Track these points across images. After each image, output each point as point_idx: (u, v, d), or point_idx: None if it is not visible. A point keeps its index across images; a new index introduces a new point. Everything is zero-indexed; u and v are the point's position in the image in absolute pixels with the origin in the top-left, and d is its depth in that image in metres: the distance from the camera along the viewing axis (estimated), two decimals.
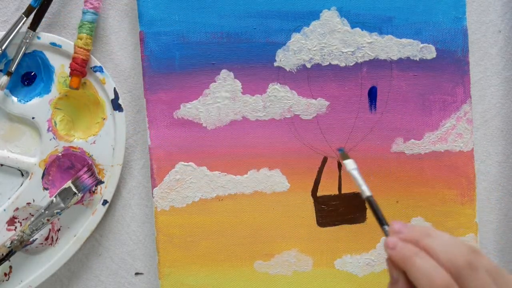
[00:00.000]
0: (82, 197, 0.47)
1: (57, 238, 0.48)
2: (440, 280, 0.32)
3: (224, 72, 0.46)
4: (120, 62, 0.48)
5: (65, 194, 0.46)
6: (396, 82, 0.47)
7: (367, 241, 0.48)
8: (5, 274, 0.47)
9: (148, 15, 0.46)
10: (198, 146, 0.46)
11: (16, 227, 0.47)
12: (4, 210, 0.47)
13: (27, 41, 0.46)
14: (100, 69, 0.47)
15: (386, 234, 0.36)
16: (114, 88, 0.47)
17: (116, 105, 0.47)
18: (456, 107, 0.47)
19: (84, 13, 0.46)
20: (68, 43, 0.46)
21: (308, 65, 0.47)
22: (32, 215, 0.47)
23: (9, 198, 0.47)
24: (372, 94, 0.47)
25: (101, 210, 0.47)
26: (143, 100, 0.48)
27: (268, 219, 0.47)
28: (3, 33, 0.45)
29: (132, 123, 0.49)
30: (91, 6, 0.46)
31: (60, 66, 0.47)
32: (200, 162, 0.47)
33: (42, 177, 0.47)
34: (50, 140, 0.47)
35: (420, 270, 0.32)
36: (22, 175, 0.48)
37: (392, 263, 0.34)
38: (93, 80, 0.47)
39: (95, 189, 0.47)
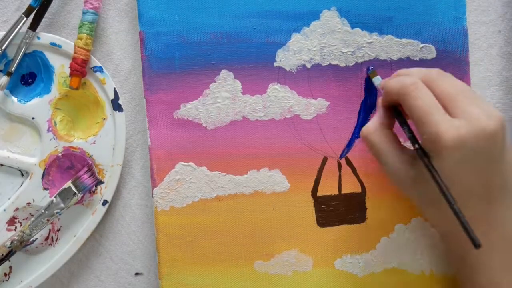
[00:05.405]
0: (82, 197, 0.47)
1: (57, 238, 0.48)
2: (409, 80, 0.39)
3: (224, 72, 0.46)
4: (120, 62, 0.48)
5: (65, 194, 0.46)
6: None
7: (367, 241, 0.48)
8: (5, 274, 0.47)
9: (148, 15, 0.46)
10: (198, 146, 0.46)
11: (16, 227, 0.47)
12: (4, 210, 0.47)
13: (27, 41, 0.46)
14: (100, 69, 0.47)
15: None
16: (114, 88, 0.47)
17: (116, 105, 0.47)
18: None
19: (84, 13, 0.46)
20: (68, 43, 0.46)
21: (308, 65, 0.47)
22: (32, 215, 0.47)
23: (9, 198, 0.47)
24: (372, 94, 0.47)
25: (101, 210, 0.47)
26: (143, 100, 0.48)
27: (268, 219, 0.47)
28: (3, 33, 0.45)
29: (132, 123, 0.49)
30: (91, 6, 0.46)
31: (60, 66, 0.47)
32: (200, 162, 0.47)
33: (42, 177, 0.47)
34: (50, 140, 0.47)
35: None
36: (22, 175, 0.48)
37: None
38: (93, 80, 0.47)
39: (95, 189, 0.47)
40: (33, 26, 0.46)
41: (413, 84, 0.38)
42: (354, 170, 0.47)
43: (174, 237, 0.46)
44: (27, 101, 0.47)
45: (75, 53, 0.46)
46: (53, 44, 0.46)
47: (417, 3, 0.47)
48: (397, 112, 0.42)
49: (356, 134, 0.47)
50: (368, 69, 0.46)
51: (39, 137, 0.47)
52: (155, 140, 0.46)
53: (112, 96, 0.47)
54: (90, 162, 0.47)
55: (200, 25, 0.46)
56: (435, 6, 0.47)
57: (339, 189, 0.47)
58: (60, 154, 0.47)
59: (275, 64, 0.47)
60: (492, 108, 0.37)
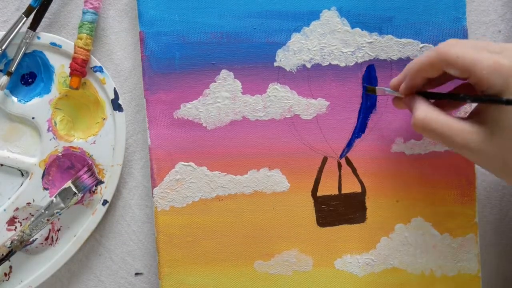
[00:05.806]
0: (82, 197, 0.47)
1: (57, 238, 0.48)
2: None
3: (224, 72, 0.46)
4: (120, 62, 0.48)
5: (65, 194, 0.46)
6: None
7: (367, 241, 0.48)
8: (5, 274, 0.47)
9: (148, 15, 0.46)
10: (198, 146, 0.46)
11: (16, 227, 0.47)
12: (4, 210, 0.47)
13: (27, 41, 0.46)
14: (100, 69, 0.47)
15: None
16: (114, 88, 0.47)
17: (116, 105, 0.47)
18: None
19: (84, 13, 0.46)
20: (68, 43, 0.46)
21: (308, 65, 0.47)
22: (32, 215, 0.47)
23: (9, 198, 0.47)
24: (372, 94, 0.47)
25: (101, 210, 0.47)
26: (143, 100, 0.48)
27: (268, 219, 0.47)
28: (3, 33, 0.45)
29: (132, 123, 0.49)
30: (91, 6, 0.46)
31: (60, 66, 0.47)
32: (200, 162, 0.47)
33: (42, 177, 0.47)
34: (50, 140, 0.47)
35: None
36: (22, 175, 0.48)
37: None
38: (93, 80, 0.47)
39: (95, 189, 0.47)
40: (33, 26, 0.46)
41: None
42: (354, 170, 0.47)
43: (174, 237, 0.46)
44: (27, 101, 0.47)
45: (75, 53, 0.46)
46: (53, 44, 0.46)
47: (417, 3, 0.47)
48: (430, 94, 0.41)
49: (356, 134, 0.47)
50: (364, 87, 0.46)
51: (39, 137, 0.47)
52: (155, 140, 0.46)
53: (112, 96, 0.47)
54: (90, 162, 0.47)
55: (200, 25, 0.46)
56: (435, 6, 0.47)
57: (339, 189, 0.47)
58: (60, 154, 0.47)
59: (275, 64, 0.47)
60: None
